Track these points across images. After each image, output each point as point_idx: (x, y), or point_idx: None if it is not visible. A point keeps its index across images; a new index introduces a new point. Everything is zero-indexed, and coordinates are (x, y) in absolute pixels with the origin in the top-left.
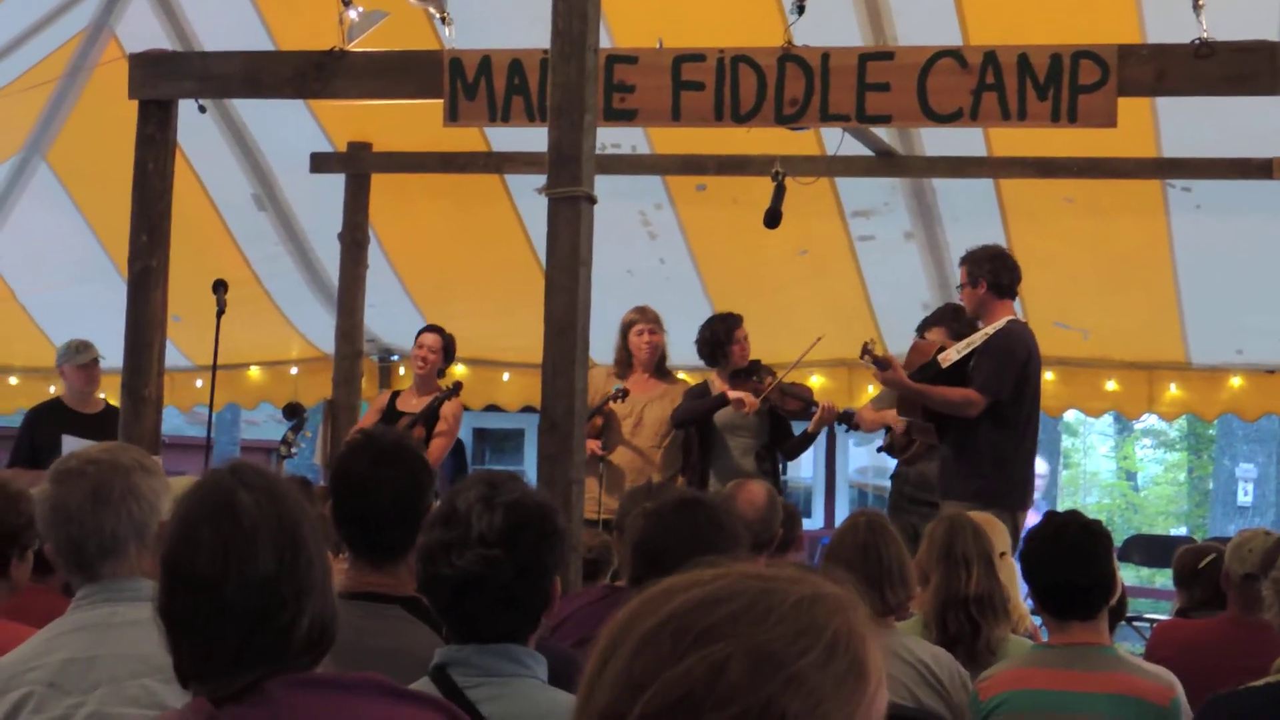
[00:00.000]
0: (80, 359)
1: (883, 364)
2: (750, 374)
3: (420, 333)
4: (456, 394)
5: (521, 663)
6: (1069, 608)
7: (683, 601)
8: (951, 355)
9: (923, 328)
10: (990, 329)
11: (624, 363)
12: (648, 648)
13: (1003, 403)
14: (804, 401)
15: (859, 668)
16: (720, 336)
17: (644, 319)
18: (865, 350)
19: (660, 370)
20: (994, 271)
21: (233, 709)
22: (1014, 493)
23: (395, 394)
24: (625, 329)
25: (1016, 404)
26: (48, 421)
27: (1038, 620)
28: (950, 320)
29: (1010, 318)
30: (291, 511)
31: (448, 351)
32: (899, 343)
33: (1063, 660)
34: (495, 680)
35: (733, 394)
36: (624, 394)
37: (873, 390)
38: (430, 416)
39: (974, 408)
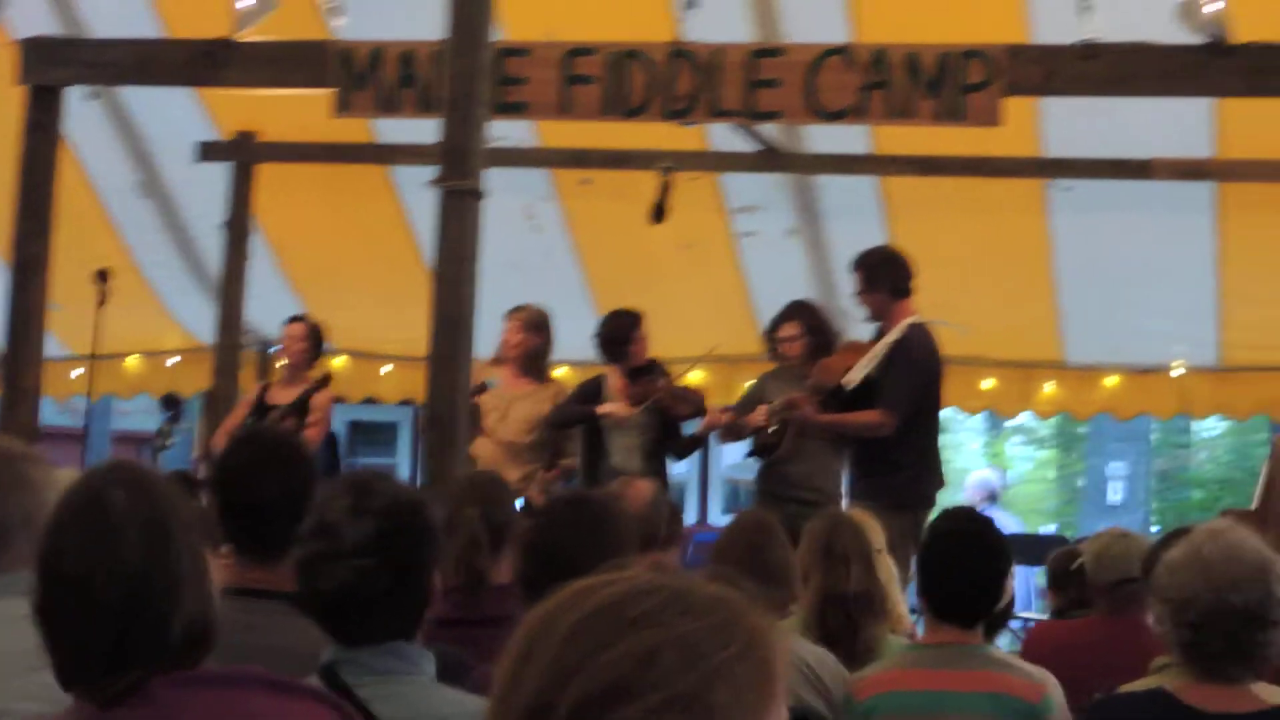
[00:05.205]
0: None
1: (789, 406)
2: (646, 372)
3: (286, 323)
4: (326, 385)
5: (412, 660)
6: (954, 612)
7: (609, 594)
8: (856, 376)
9: (774, 326)
10: (891, 337)
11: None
12: (579, 637)
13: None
14: (694, 406)
15: (769, 667)
16: (618, 335)
17: (511, 317)
18: (771, 414)
19: (532, 369)
20: (892, 276)
21: (117, 711)
22: (920, 491)
23: (265, 386)
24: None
25: (920, 406)
26: None
27: (917, 619)
28: (798, 314)
29: (910, 320)
30: (161, 505)
31: (314, 340)
32: None
33: (936, 660)
34: (385, 679)
35: (602, 409)
36: (484, 387)
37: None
38: (301, 408)
39: (885, 429)
